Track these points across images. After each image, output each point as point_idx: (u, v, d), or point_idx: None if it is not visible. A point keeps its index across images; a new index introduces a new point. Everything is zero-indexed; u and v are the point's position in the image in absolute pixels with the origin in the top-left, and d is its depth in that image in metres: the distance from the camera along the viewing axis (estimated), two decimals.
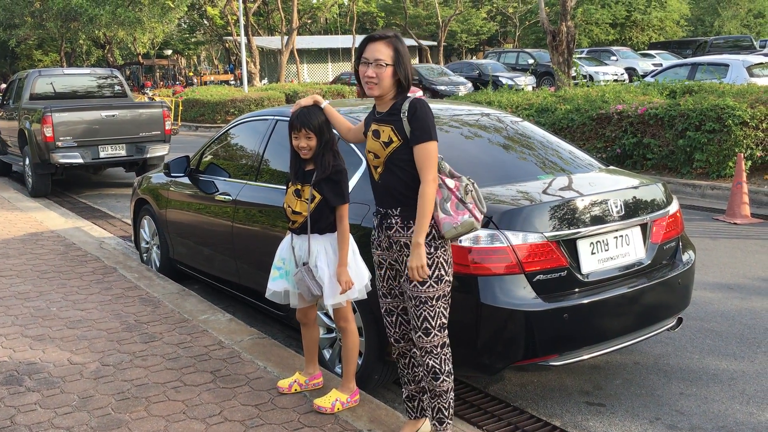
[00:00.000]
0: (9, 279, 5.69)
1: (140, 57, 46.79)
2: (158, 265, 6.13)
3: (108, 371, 3.92)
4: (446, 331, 3.03)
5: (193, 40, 53.95)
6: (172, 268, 5.94)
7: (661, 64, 23.41)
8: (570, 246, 3.50)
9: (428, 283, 2.93)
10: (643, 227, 3.83)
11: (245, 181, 4.84)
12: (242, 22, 25.08)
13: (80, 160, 10.02)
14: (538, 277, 3.39)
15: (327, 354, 4.17)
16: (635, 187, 3.96)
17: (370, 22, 51.08)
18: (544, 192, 3.72)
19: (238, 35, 27.23)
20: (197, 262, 5.51)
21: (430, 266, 2.92)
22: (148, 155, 10.54)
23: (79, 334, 4.48)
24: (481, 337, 3.39)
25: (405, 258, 2.98)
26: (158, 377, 3.84)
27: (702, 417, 3.65)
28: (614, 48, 30.84)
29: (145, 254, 6.41)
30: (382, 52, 2.92)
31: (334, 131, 3.37)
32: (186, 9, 36.80)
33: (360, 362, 3.90)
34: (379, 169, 3.01)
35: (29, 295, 5.25)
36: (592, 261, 3.58)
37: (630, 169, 9.96)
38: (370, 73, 2.92)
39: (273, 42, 41.46)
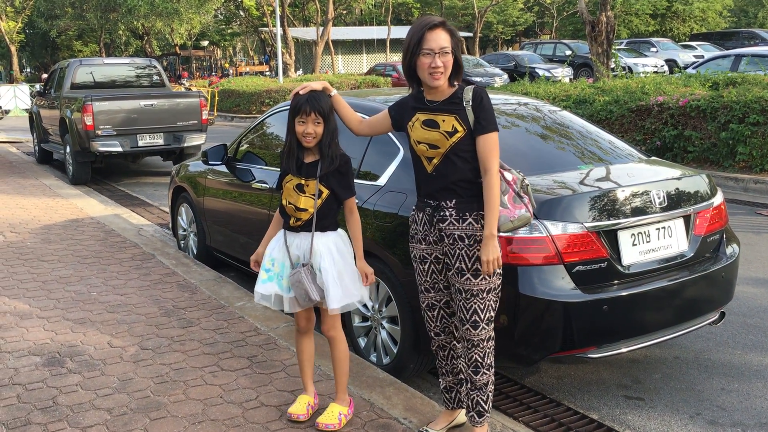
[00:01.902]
0: (51, 264, 5.81)
1: (177, 48, 47.33)
2: (195, 252, 6.20)
3: (147, 355, 3.98)
4: (493, 325, 2.99)
5: (229, 31, 54.36)
6: (209, 255, 6.00)
7: (702, 56, 22.91)
8: (611, 237, 3.44)
9: (481, 276, 2.87)
10: (686, 219, 3.75)
11: None
12: (278, 12, 25.20)
13: (119, 149, 10.18)
14: (577, 267, 3.34)
15: (362, 342, 4.17)
16: (678, 178, 3.88)
17: (405, 13, 50.89)
18: (584, 182, 3.67)
19: (274, 26, 27.36)
20: (234, 250, 5.55)
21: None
22: (185, 144, 10.66)
23: (118, 318, 4.56)
24: (519, 328, 3.36)
25: (458, 251, 2.88)
26: (196, 362, 3.89)
27: (744, 413, 3.57)
28: (654, 39, 30.27)
29: (182, 241, 6.49)
30: (444, 39, 2.81)
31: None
32: (222, 0, 37.13)
33: (396, 351, 3.90)
34: (435, 160, 2.90)
35: (70, 280, 5.36)
36: (633, 252, 3.52)
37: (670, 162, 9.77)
38: (438, 62, 2.80)
39: (308, 33, 41.58)
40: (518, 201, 2.88)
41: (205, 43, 53.25)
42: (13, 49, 40.95)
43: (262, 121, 5.45)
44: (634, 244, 3.53)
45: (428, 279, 3.07)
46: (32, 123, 13.62)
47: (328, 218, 3.14)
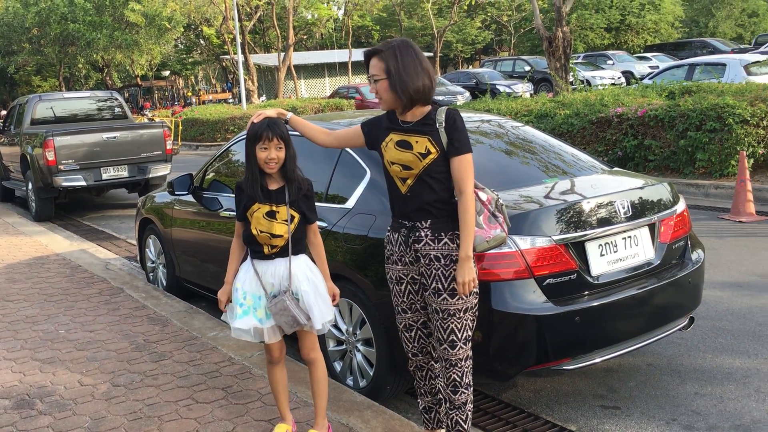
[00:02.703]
0: (17, 303, 5.68)
1: (138, 79, 47.01)
2: (165, 284, 6.12)
3: (119, 392, 3.90)
4: (470, 344, 3.00)
5: (190, 60, 54.22)
6: (179, 286, 5.93)
7: (657, 67, 23.46)
8: (579, 248, 3.49)
9: (458, 295, 2.88)
10: (651, 227, 3.82)
11: None
12: (239, 40, 25.22)
13: (83, 183, 10.04)
14: (548, 280, 3.38)
15: (338, 366, 4.15)
16: (641, 188, 3.95)
17: (366, 35, 51.35)
18: (550, 195, 3.72)
19: (235, 53, 27.35)
20: (204, 279, 5.50)
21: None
22: (150, 175, 10.55)
23: (88, 355, 4.47)
24: (493, 344, 3.38)
25: (434, 271, 2.90)
26: (170, 395, 3.82)
27: (718, 416, 3.62)
28: (610, 52, 30.92)
29: (151, 274, 6.40)
30: (374, 66, 2.89)
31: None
32: (182, 30, 37.07)
33: (372, 373, 3.88)
34: (408, 181, 2.91)
35: (37, 319, 5.24)
36: (602, 263, 3.57)
37: (632, 171, 9.96)
38: (371, 89, 2.92)
39: (270, 59, 41.62)
40: (493, 221, 2.90)
41: (167, 73, 52.96)
42: None
43: (228, 149, 5.43)
44: (602, 255, 3.58)
45: (405, 300, 3.07)
46: None
47: (301, 242, 3.16)
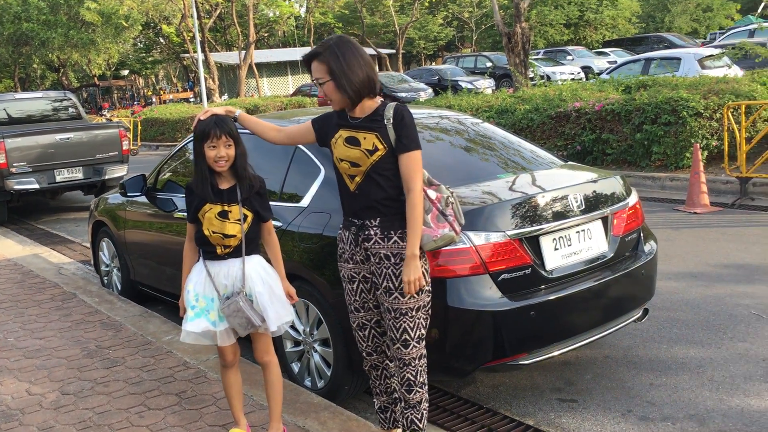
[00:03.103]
0: None
1: (96, 79, 46.15)
2: (120, 288, 5.98)
3: (69, 400, 3.79)
4: (424, 342, 2.97)
5: (150, 59, 53.39)
6: (134, 290, 5.81)
7: (615, 62, 23.78)
8: (533, 243, 3.49)
9: (409, 294, 2.85)
10: (604, 220, 3.84)
11: None
12: (198, 38, 24.88)
13: (36, 186, 9.79)
14: (503, 276, 3.37)
15: (296, 368, 4.09)
16: (594, 181, 3.97)
17: (328, 32, 51.10)
18: (505, 190, 3.71)
19: (195, 52, 26.99)
20: (160, 282, 5.38)
21: None
22: (107, 177, 10.34)
23: (38, 363, 4.34)
24: (449, 341, 3.36)
25: (384, 270, 2.86)
26: (121, 403, 3.73)
27: (673, 406, 3.66)
28: (569, 48, 31.27)
29: (105, 278, 6.26)
30: (317, 70, 2.86)
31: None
32: (141, 28, 36.44)
33: (329, 373, 3.84)
34: (357, 179, 2.87)
35: None
36: (556, 257, 3.57)
37: (590, 165, 10.06)
38: (319, 92, 2.90)
39: (231, 57, 41.20)
40: (442, 219, 2.86)
41: (126, 72, 52.09)
42: None
43: (181, 148, 5.32)
44: (556, 249, 3.58)
45: (357, 299, 3.03)
46: None
47: (255, 241, 3.10)
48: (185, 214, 4.76)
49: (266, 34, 44.57)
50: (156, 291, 5.48)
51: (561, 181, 3.94)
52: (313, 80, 2.90)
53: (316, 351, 3.93)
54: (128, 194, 5.28)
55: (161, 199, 5.19)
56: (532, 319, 3.40)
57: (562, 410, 3.72)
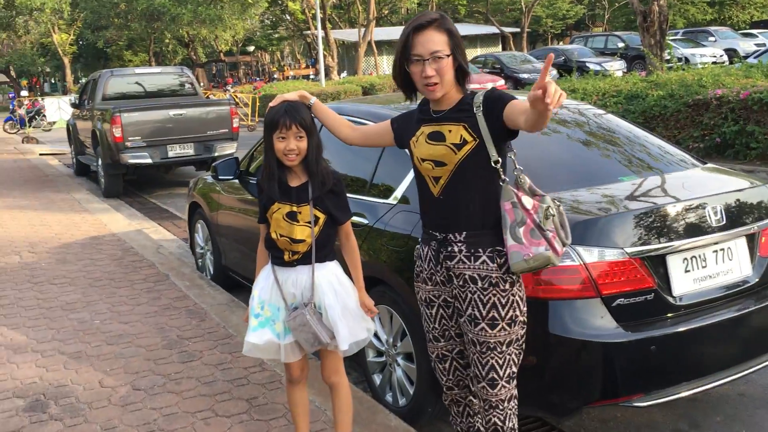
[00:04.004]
0: (60, 287, 5.52)
1: (222, 54, 47.75)
2: (212, 272, 5.84)
3: (138, 397, 3.60)
4: (515, 382, 2.50)
5: (275, 35, 54.62)
6: (225, 275, 5.64)
7: (764, 44, 21.70)
8: (658, 263, 2.90)
9: (500, 326, 2.38)
10: (750, 238, 3.17)
11: None
12: (318, 15, 24.97)
13: (149, 160, 9.97)
14: (618, 301, 2.82)
15: (377, 379, 3.72)
16: (739, 190, 3.29)
17: (452, 10, 50.22)
18: (627, 197, 3.13)
19: (316, 29, 27.15)
20: (248, 271, 5.15)
21: (503, 305, 2.38)
22: (216, 154, 10.38)
23: (116, 351, 4.21)
24: (549, 373, 2.85)
25: (470, 295, 2.40)
26: (190, 405, 3.49)
27: None
28: (712, 28, 28.93)
29: (199, 260, 6.14)
30: (436, 41, 2.30)
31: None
32: (267, 5, 37.22)
33: (412, 392, 3.43)
34: (441, 181, 2.40)
35: (75, 306, 5.05)
36: (686, 281, 2.97)
37: (732, 160, 9.03)
38: (430, 71, 2.30)
39: (352, 35, 41.31)
40: (537, 235, 2.32)
41: (252, 48, 53.59)
42: (66, 60, 41.91)
43: None
44: (686, 271, 2.97)
45: (437, 326, 2.59)
46: (69, 135, 13.60)
47: (327, 247, 2.72)
48: None
49: (387, 12, 44.28)
50: (244, 279, 5.27)
51: (697, 187, 3.30)
52: (422, 55, 2.31)
53: (398, 365, 3.53)
54: (220, 177, 5.08)
55: (254, 185, 4.94)
56: (653, 355, 2.83)
57: None
